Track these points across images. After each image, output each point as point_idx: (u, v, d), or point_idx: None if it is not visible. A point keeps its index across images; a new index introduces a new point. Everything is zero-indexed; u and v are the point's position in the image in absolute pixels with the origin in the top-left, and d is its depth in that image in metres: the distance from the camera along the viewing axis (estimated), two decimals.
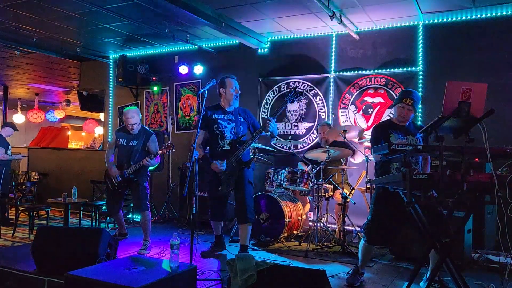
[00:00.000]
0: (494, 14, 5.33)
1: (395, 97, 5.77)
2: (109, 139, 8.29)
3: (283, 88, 6.62)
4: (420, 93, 5.63)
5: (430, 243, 2.97)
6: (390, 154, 2.83)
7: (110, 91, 8.38)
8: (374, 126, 3.88)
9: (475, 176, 2.67)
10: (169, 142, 5.03)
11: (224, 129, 4.42)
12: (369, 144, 5.38)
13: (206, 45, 7.12)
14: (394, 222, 3.56)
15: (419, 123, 5.49)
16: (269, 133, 4.30)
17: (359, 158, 5.67)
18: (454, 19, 5.54)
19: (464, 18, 5.48)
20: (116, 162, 5.05)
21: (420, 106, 5.62)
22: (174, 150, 4.91)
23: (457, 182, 2.66)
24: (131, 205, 6.53)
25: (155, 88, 7.62)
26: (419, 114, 5.61)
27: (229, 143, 4.41)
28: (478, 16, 5.40)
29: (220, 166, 4.32)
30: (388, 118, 4.21)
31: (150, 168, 5.17)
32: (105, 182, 5.17)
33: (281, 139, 6.36)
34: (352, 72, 6.15)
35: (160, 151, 4.83)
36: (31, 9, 5.68)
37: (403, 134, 3.64)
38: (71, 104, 13.04)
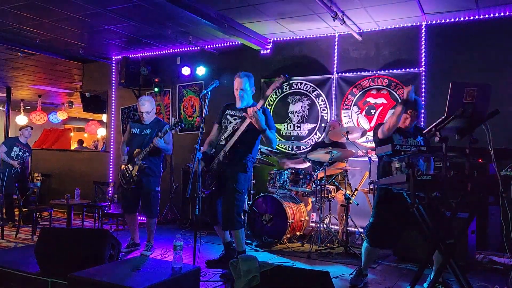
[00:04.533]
0: (497, 15, 5.31)
1: (398, 98, 5.78)
2: (112, 140, 8.31)
3: (285, 89, 6.61)
4: (423, 94, 5.64)
5: (434, 244, 2.96)
6: (394, 155, 2.82)
7: (113, 93, 8.39)
8: (378, 123, 3.88)
9: (479, 177, 2.66)
10: (177, 119, 4.81)
11: (228, 124, 4.13)
12: (373, 145, 5.39)
13: (209, 46, 7.12)
14: (397, 224, 3.54)
15: (422, 124, 5.48)
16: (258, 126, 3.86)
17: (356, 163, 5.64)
18: (457, 20, 5.53)
19: (467, 19, 5.47)
20: (128, 153, 4.85)
21: (422, 106, 5.62)
22: (183, 125, 4.62)
23: (461, 183, 2.65)
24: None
25: (156, 89, 7.63)
26: (422, 115, 5.59)
27: (225, 137, 4.07)
28: (481, 16, 5.39)
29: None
30: None
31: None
32: (119, 181, 4.95)
33: (283, 140, 6.36)
34: (355, 73, 6.14)
35: (170, 130, 4.64)
36: (34, 11, 5.70)
37: (404, 136, 3.65)
38: (73, 106, 13.07)
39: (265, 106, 4.01)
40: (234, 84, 4.16)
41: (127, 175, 4.78)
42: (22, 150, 7.20)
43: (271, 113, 4.19)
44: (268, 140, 3.98)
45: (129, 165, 4.77)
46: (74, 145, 13.48)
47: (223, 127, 4.18)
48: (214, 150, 4.19)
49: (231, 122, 4.12)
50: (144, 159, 4.70)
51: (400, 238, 3.79)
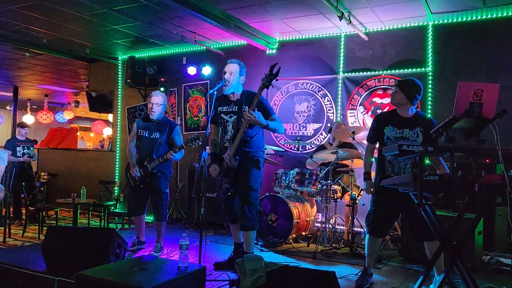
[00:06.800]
0: (505, 14, 5.27)
1: None
2: (118, 140, 8.34)
3: (291, 89, 6.60)
4: (430, 94, 5.60)
5: (441, 245, 2.94)
6: (400, 155, 2.81)
7: (119, 92, 8.42)
8: (376, 115, 3.89)
9: (486, 178, 2.64)
10: (196, 134, 4.67)
11: (226, 124, 4.02)
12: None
13: (214, 46, 7.13)
14: (395, 212, 3.67)
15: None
16: (256, 124, 3.82)
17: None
18: (464, 19, 5.49)
19: (474, 18, 5.43)
20: (137, 156, 4.77)
21: (430, 106, 5.59)
22: (200, 143, 4.45)
23: (468, 184, 2.63)
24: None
25: (162, 89, 7.64)
26: (428, 114, 5.56)
27: (228, 139, 3.97)
28: (489, 16, 5.35)
29: (214, 172, 4.04)
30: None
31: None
32: (127, 178, 4.88)
33: (289, 140, 6.35)
34: (361, 73, 6.12)
35: (186, 146, 4.52)
36: (41, 11, 5.73)
37: (399, 127, 3.60)
38: (80, 105, 13.14)
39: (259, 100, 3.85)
40: (224, 68, 4.09)
41: (136, 178, 4.71)
42: (25, 147, 7.29)
43: (275, 114, 4.10)
44: (274, 131, 4.03)
45: (139, 170, 4.66)
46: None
47: (222, 127, 4.09)
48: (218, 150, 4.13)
49: (228, 121, 4.03)
50: (156, 168, 4.65)
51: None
